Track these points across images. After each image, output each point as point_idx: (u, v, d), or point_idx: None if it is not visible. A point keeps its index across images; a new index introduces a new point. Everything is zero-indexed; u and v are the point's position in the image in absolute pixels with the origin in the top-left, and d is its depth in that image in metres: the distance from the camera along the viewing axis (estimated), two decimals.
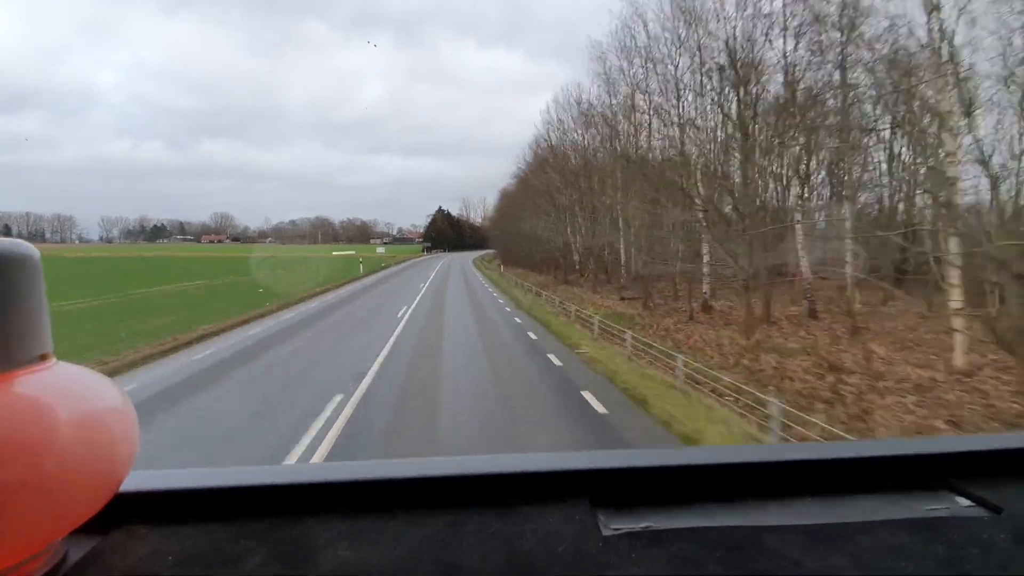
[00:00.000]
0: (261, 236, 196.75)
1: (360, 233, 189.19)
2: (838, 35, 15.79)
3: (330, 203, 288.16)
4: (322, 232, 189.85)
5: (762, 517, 0.59)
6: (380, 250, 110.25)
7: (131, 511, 0.57)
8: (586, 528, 0.55)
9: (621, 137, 27.77)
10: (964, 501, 0.62)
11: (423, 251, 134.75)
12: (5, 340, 0.42)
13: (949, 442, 0.74)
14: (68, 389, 0.46)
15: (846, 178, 18.48)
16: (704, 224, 18.23)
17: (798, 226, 17.05)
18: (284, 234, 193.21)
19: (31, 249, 0.45)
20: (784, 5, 17.11)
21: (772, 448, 0.75)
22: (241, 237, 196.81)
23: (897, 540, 0.53)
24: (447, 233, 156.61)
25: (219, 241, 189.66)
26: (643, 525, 0.57)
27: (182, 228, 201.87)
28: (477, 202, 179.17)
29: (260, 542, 0.53)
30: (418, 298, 26.55)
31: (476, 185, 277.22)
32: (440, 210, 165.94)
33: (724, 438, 7.03)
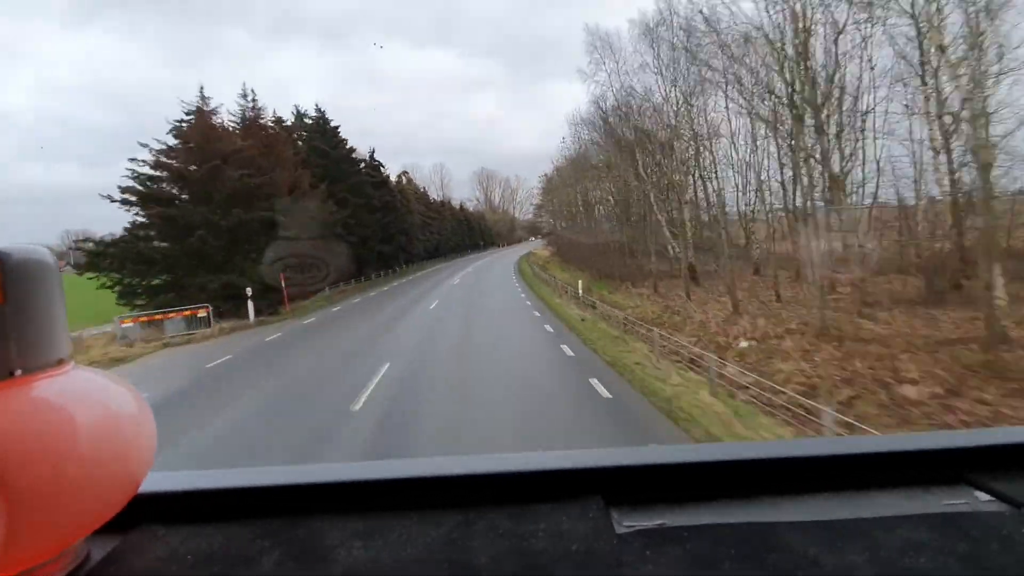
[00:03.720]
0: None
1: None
2: None
3: None
4: None
5: (777, 513, 0.57)
6: None
7: (151, 512, 0.57)
8: (599, 526, 0.54)
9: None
10: (983, 496, 0.60)
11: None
12: (24, 345, 0.42)
13: (967, 436, 0.72)
14: (86, 393, 0.46)
15: None
16: None
17: None
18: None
19: (49, 255, 0.45)
20: None
21: (787, 444, 0.74)
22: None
23: (915, 536, 0.51)
24: (325, 215, 26.12)
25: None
26: (657, 523, 0.56)
27: None
28: (433, 171, 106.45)
29: (276, 542, 0.54)
30: None
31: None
32: (300, 115, 34.53)
33: None
